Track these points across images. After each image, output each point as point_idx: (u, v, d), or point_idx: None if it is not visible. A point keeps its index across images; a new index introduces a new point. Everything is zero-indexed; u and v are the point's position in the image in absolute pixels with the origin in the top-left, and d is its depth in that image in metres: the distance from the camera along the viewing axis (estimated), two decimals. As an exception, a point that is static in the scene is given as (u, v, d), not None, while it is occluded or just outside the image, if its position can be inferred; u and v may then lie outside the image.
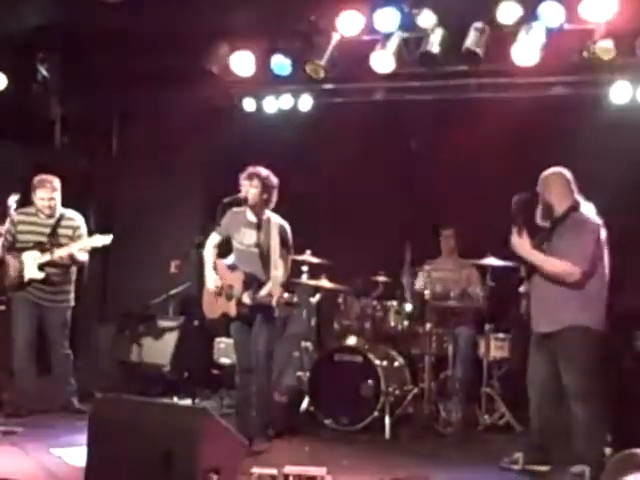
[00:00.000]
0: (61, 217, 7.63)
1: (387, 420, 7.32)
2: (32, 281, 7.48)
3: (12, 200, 6.78)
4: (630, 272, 7.98)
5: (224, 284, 6.75)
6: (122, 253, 9.78)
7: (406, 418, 7.62)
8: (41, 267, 7.45)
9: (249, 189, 6.67)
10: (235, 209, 6.84)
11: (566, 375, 6.00)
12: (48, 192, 7.53)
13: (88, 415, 5.05)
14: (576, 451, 6.01)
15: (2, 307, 7.58)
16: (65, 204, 7.74)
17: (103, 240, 7.46)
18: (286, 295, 7.80)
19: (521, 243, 6.13)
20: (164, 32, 8.09)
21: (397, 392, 7.59)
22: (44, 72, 9.05)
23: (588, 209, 6.15)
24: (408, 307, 8.00)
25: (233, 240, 6.84)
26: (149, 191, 9.75)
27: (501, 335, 7.69)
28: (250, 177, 6.69)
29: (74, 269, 7.73)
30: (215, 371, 8.75)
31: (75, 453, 5.87)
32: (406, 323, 7.97)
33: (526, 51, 7.22)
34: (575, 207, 6.12)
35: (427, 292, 7.73)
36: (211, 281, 6.80)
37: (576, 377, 5.95)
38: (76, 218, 7.71)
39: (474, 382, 7.84)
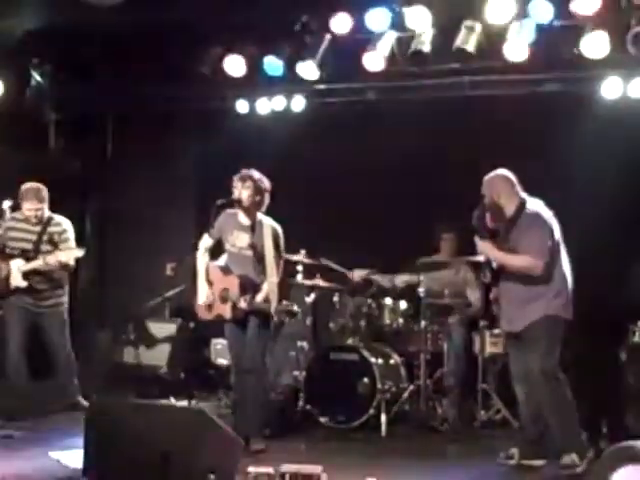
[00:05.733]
0: (48, 222, 7.63)
1: (383, 418, 7.33)
2: (18, 289, 7.51)
3: (6, 205, 6.80)
4: (625, 267, 8.03)
5: (221, 288, 6.74)
6: (118, 256, 9.83)
7: (402, 415, 7.63)
8: (25, 276, 7.49)
9: (242, 191, 6.68)
10: (228, 211, 6.84)
11: (530, 358, 6.13)
12: (35, 203, 7.53)
13: (85, 418, 5.08)
14: (556, 440, 6.09)
15: (0, 312, 7.61)
16: (60, 208, 7.76)
17: (75, 253, 7.44)
18: (285, 303, 7.87)
19: (485, 246, 6.30)
20: (156, 35, 8.11)
21: (393, 390, 7.60)
22: (38, 77, 9.07)
23: (536, 204, 6.28)
24: (403, 305, 8.03)
25: (226, 243, 6.83)
26: (144, 194, 9.76)
27: (496, 331, 7.69)
28: (243, 179, 6.69)
29: (62, 273, 7.71)
30: (211, 371, 8.78)
31: (73, 456, 5.87)
32: (401, 321, 8.00)
33: (517, 48, 7.26)
34: (523, 205, 6.25)
35: (421, 289, 7.75)
36: (203, 295, 6.78)
37: (539, 359, 6.07)
38: (62, 222, 7.71)
39: (470, 378, 7.85)
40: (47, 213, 7.65)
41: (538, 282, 6.10)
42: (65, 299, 7.79)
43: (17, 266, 7.47)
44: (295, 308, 8.09)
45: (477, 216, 6.32)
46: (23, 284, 7.47)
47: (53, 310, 7.69)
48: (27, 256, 7.49)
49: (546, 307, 6.11)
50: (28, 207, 7.53)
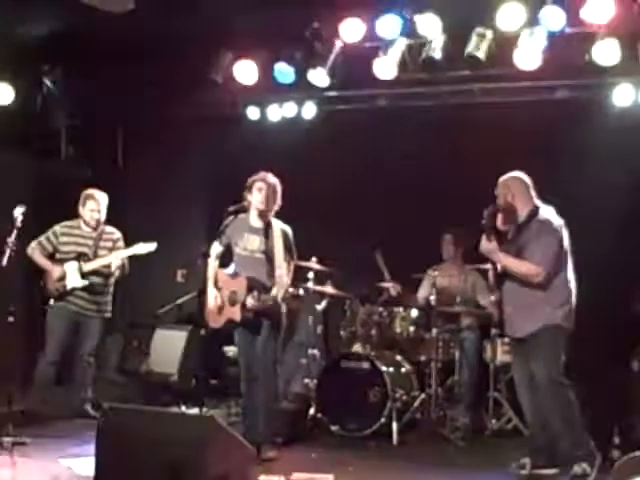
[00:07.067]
0: (102, 231, 7.85)
1: (394, 426, 7.31)
2: (74, 290, 7.64)
3: (18, 212, 6.80)
4: (637, 275, 8.00)
5: (229, 291, 6.74)
6: (129, 262, 9.82)
7: (413, 424, 7.61)
8: (84, 276, 7.61)
9: (256, 194, 6.69)
10: (238, 216, 6.83)
11: (535, 367, 6.12)
12: (97, 205, 7.76)
13: (96, 425, 5.07)
14: (565, 450, 6.06)
15: (11, 319, 7.62)
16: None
17: (147, 247, 7.64)
18: (291, 290, 7.83)
19: (490, 247, 6.23)
20: (168, 41, 8.12)
21: (404, 398, 7.58)
22: (49, 84, 9.10)
23: (548, 211, 6.26)
24: (414, 313, 8.01)
25: (235, 247, 6.82)
26: (154, 200, 9.77)
27: (507, 339, 7.66)
28: (257, 183, 6.71)
29: (113, 280, 7.87)
30: (222, 379, 8.76)
31: (84, 463, 5.87)
32: (412, 329, 7.96)
33: (528, 55, 7.26)
34: (536, 211, 6.24)
35: (433, 298, 7.73)
36: (212, 299, 6.81)
37: (544, 368, 6.06)
38: (116, 232, 7.94)
39: (481, 387, 7.84)
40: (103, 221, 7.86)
41: (538, 288, 6.08)
42: (109, 308, 7.95)
43: (75, 267, 7.63)
44: (300, 292, 8.05)
45: (488, 215, 6.28)
46: (80, 283, 7.63)
47: (98, 316, 7.83)
48: (85, 259, 7.65)
49: (549, 316, 6.09)
50: (91, 208, 7.76)
